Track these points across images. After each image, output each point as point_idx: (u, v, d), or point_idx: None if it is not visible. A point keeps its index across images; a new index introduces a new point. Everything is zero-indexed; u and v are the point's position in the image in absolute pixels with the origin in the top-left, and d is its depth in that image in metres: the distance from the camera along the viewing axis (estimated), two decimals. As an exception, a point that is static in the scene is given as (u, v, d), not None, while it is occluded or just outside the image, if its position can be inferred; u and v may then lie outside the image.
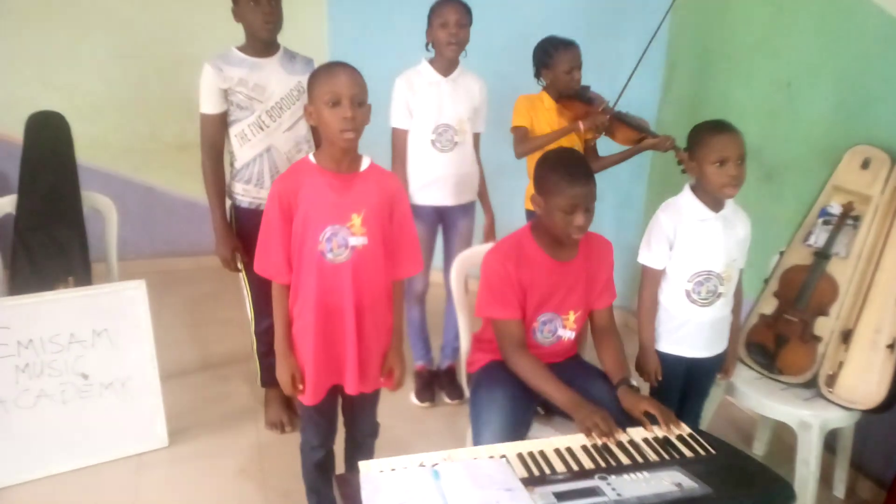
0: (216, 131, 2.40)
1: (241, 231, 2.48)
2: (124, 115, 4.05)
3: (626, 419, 1.76)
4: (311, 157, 1.80)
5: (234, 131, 2.40)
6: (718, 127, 1.91)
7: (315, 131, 2.50)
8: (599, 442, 1.62)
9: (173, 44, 4.01)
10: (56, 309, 2.37)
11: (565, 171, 1.81)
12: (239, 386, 3.03)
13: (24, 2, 3.74)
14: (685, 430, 1.70)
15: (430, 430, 2.76)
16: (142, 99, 4.06)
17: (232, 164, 2.47)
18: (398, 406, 2.81)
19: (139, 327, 2.49)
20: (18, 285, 2.53)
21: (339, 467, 2.11)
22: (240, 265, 2.52)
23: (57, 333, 2.37)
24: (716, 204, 1.97)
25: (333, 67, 1.72)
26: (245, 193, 2.45)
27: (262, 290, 2.50)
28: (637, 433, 1.69)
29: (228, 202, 2.52)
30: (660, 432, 1.69)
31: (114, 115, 4.02)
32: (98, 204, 2.77)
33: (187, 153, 4.12)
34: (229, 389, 3.00)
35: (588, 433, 1.65)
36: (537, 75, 2.77)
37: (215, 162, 2.44)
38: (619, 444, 1.63)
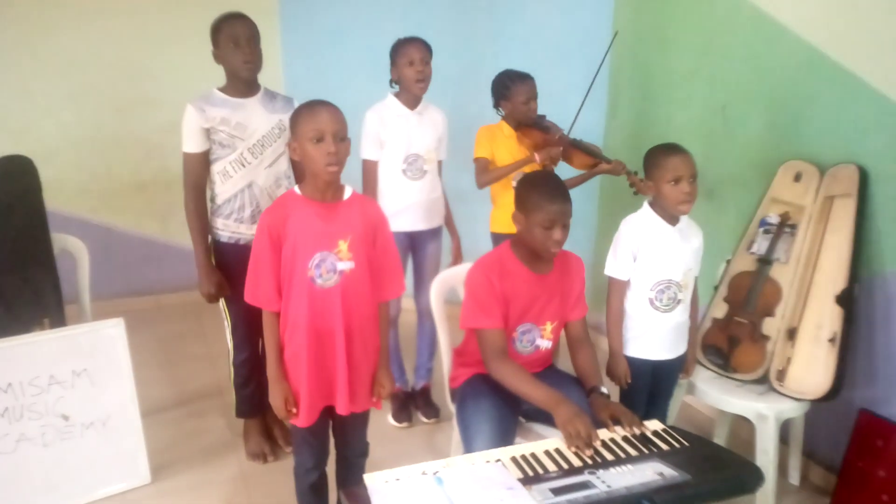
0: (199, 170, 2.46)
1: (222, 264, 2.54)
2: (80, 156, 4.03)
3: (598, 423, 1.88)
4: (297, 189, 1.91)
5: (215, 169, 2.47)
6: (671, 149, 2.11)
7: (297, 166, 2.59)
8: (585, 452, 1.68)
9: (128, 84, 4.03)
10: (35, 351, 2.37)
11: (545, 190, 1.97)
12: (216, 420, 3.04)
13: (-27, 45, 3.72)
14: (657, 426, 1.84)
15: (410, 449, 2.84)
16: (97, 139, 4.05)
17: (212, 200, 2.53)
18: (376, 429, 2.80)
19: (119, 366, 2.50)
20: (-7, 330, 2.51)
21: (331, 488, 2.18)
22: (220, 300, 2.57)
23: (36, 376, 2.36)
24: (672, 218, 2.17)
25: (316, 106, 1.83)
26: (225, 228, 2.51)
27: (241, 323, 2.58)
28: (617, 433, 1.82)
29: (208, 238, 2.57)
30: (624, 432, 1.81)
31: (69, 156, 4.00)
32: (68, 245, 2.77)
33: (145, 193, 4.16)
34: (207, 424, 3.02)
35: (570, 443, 1.71)
36: (496, 106, 2.92)
37: (198, 200, 2.49)
38: (603, 443, 1.76)
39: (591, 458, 1.68)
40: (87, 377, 2.45)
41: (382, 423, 2.99)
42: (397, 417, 3.00)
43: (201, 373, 3.46)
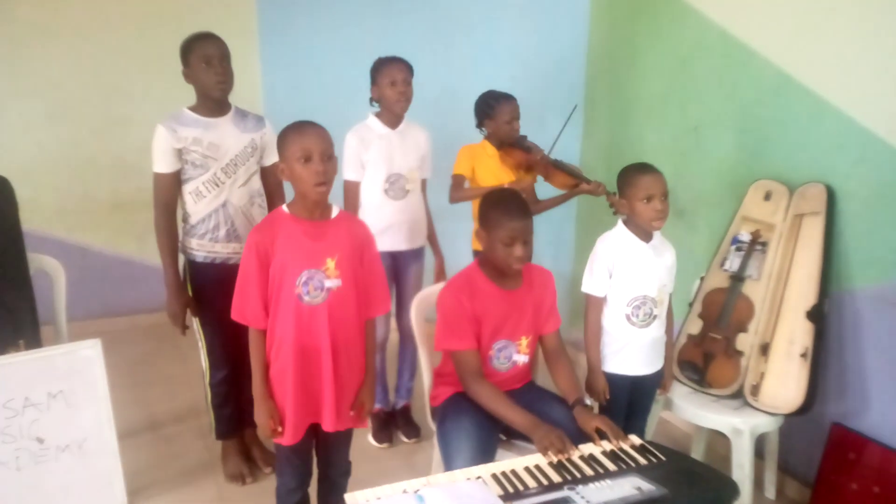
0: (170, 190, 2.45)
1: (197, 284, 2.53)
2: (57, 176, 4.01)
3: (583, 437, 1.91)
4: (285, 208, 1.93)
5: (188, 188, 2.46)
6: (643, 168, 2.17)
7: (269, 185, 2.60)
8: (555, 460, 1.75)
9: (105, 103, 4.03)
10: (9, 373, 2.33)
11: (505, 208, 2.01)
12: (192, 442, 3.01)
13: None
14: (635, 441, 1.87)
15: (390, 469, 2.83)
16: (74, 159, 4.03)
17: (185, 220, 2.53)
18: (356, 448, 2.81)
19: (95, 387, 2.46)
20: (-34, 352, 2.47)
21: (313, 509, 2.17)
22: (194, 320, 2.56)
23: (11, 398, 2.32)
24: (646, 235, 2.22)
25: (303, 126, 1.86)
26: (200, 248, 2.51)
27: (216, 343, 2.56)
28: (594, 448, 1.84)
29: (182, 258, 2.56)
30: (609, 446, 1.84)
31: (46, 176, 3.97)
32: (45, 265, 2.74)
33: (121, 212, 4.14)
34: (182, 446, 2.99)
35: (545, 452, 1.77)
36: (479, 125, 2.97)
37: (169, 220, 2.48)
38: (582, 458, 1.78)
39: (570, 473, 1.70)
40: (62, 399, 2.41)
41: (363, 443, 2.98)
42: (378, 437, 2.99)
43: (175, 394, 3.43)
